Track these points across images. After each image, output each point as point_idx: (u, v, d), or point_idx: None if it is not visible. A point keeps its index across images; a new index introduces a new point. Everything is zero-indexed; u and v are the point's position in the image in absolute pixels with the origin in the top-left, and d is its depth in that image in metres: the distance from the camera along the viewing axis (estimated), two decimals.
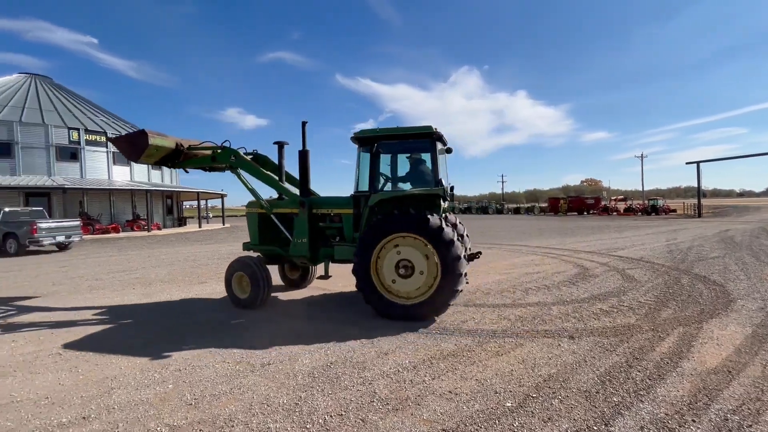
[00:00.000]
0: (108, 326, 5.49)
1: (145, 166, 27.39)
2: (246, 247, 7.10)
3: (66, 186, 23.12)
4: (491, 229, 24.99)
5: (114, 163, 28.03)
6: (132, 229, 26.44)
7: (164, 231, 27.86)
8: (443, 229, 5.22)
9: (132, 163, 28.29)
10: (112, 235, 23.90)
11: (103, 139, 26.81)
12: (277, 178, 7.11)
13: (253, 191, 6.84)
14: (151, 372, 3.94)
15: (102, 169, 27.51)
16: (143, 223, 26.81)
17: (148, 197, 26.61)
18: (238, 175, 6.87)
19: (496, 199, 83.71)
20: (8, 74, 30.60)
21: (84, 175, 26.58)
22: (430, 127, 5.63)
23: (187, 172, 7.82)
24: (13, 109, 25.35)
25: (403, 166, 6.32)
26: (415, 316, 5.39)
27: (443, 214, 5.93)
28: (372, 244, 5.49)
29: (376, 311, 5.58)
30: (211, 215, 56.34)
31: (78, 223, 16.75)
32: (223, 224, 38.36)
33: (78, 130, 26.08)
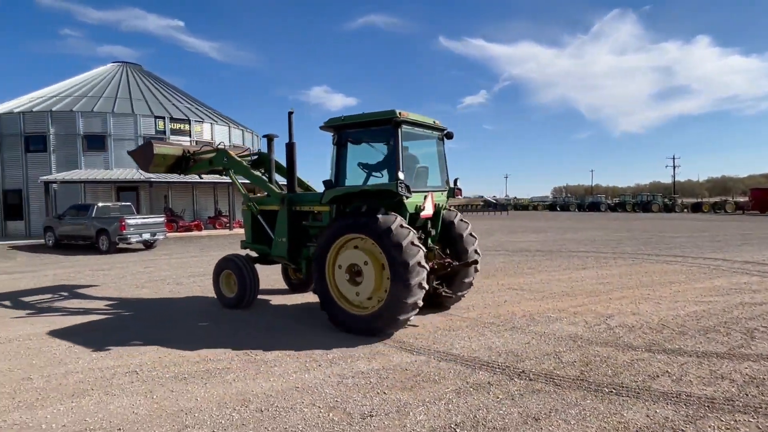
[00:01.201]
0: (186, 342, 5.82)
1: None
2: (242, 245, 8.31)
3: (152, 180, 26.86)
4: (662, 233, 21.91)
5: None
6: (214, 227, 29.62)
7: None
8: (392, 230, 5.52)
9: None
10: (195, 233, 27.04)
11: (187, 127, 30.54)
12: (266, 177, 8.22)
13: (243, 192, 8.16)
14: (229, 409, 3.92)
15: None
16: (225, 220, 29.84)
17: (231, 191, 29.50)
18: (231, 176, 8.35)
19: (664, 190, 74.29)
20: (104, 65, 36.86)
21: None
22: (393, 112, 5.93)
23: (201, 177, 9.16)
24: (107, 100, 30.38)
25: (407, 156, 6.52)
26: (366, 329, 5.81)
27: (421, 210, 6.25)
28: (326, 246, 6.10)
29: (331, 321, 6.13)
30: None
31: (162, 219, 19.20)
32: None
33: (164, 118, 30.13)
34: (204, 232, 27.38)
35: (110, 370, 4.90)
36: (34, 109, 27.77)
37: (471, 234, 6.99)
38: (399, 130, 5.91)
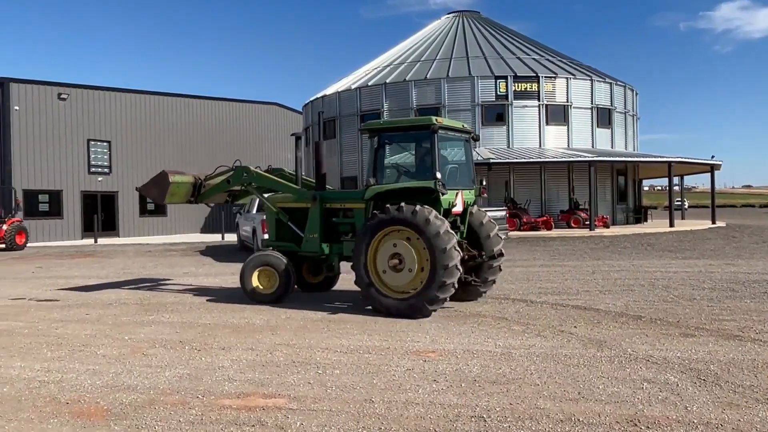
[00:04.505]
0: (536, 385, 5.97)
1: (587, 125, 31.41)
2: (265, 244, 11.91)
3: (491, 161, 29.57)
4: None
5: (547, 123, 33.12)
6: (568, 225, 30.33)
7: (613, 229, 30.08)
8: (429, 220, 8.83)
9: (569, 122, 32.57)
10: (543, 232, 28.31)
11: (535, 87, 32.18)
12: (287, 182, 11.50)
13: (264, 201, 11.61)
14: None
15: (531, 131, 33.16)
16: (584, 215, 30.07)
17: (592, 174, 29.48)
18: (254, 192, 11.79)
19: None
20: (437, 18, 42.96)
21: (511, 142, 33.08)
22: (430, 119, 9.70)
23: (210, 206, 13.19)
24: (441, 63, 35.24)
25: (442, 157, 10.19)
26: (405, 311, 9.16)
27: (451, 207, 9.78)
28: (368, 238, 9.38)
29: (371, 305, 9.63)
30: (686, 204, 56.10)
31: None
32: (713, 220, 36.86)
33: (506, 78, 32.69)
34: (554, 232, 28.42)
35: (453, 410, 5.45)
36: (369, 83, 34.78)
37: (498, 234, 10.26)
38: (436, 135, 9.28)
